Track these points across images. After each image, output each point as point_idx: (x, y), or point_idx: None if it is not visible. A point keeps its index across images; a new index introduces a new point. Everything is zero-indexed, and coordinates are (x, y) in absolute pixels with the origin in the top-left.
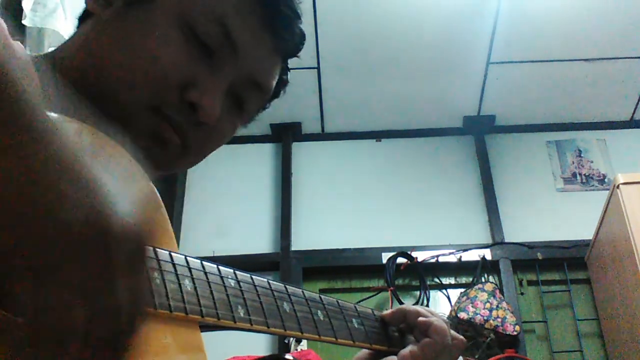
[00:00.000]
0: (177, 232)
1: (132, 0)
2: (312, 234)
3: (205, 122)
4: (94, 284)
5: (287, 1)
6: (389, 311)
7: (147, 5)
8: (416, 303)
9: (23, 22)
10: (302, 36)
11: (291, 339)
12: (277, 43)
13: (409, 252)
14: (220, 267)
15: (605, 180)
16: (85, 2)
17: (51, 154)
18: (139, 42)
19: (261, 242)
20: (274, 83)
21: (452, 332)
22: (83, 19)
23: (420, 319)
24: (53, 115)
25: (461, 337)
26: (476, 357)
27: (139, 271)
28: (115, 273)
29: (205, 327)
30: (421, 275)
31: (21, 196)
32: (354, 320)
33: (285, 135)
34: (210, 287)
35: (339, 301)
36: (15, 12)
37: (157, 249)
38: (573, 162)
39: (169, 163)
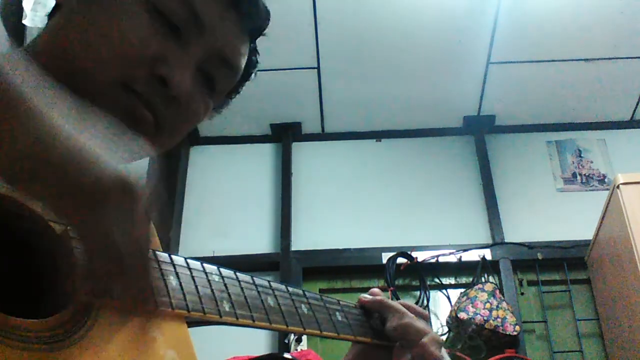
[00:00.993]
0: (177, 232)
1: None
2: (312, 234)
3: (176, 96)
4: (120, 226)
5: None
6: (368, 298)
7: None
8: (416, 303)
9: (23, 21)
10: (267, 13)
11: (291, 339)
12: (242, 20)
13: (409, 252)
14: (204, 264)
15: (605, 180)
16: None
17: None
18: (106, 22)
19: (261, 242)
20: (243, 61)
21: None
22: (53, 13)
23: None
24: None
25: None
26: (459, 347)
27: (137, 212)
28: (132, 217)
29: (193, 323)
30: (421, 275)
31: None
32: (337, 313)
33: (285, 135)
34: (195, 282)
35: (322, 295)
36: (15, 12)
37: None
38: (573, 162)
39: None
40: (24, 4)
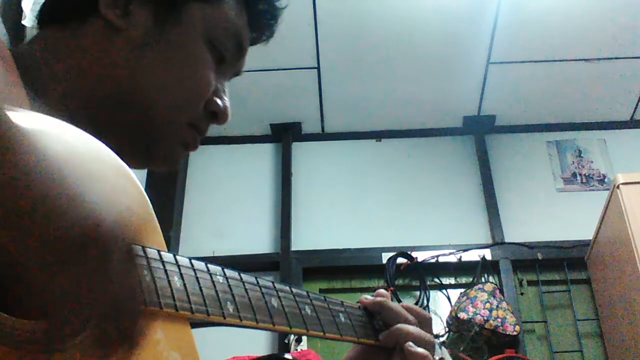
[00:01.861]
0: (177, 232)
1: (163, 17)
2: (312, 234)
3: (222, 124)
4: (90, 284)
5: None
6: (369, 300)
7: (178, 27)
8: (416, 303)
9: (23, 22)
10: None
11: (291, 339)
12: (254, 40)
13: (409, 252)
14: (209, 265)
15: (605, 180)
16: (99, 8)
17: (31, 167)
18: (180, 65)
19: (261, 242)
20: None
21: (439, 351)
22: (81, 15)
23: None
24: (28, 123)
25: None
26: (461, 349)
27: (127, 269)
28: (105, 274)
29: (196, 324)
30: (421, 275)
31: (11, 206)
32: (340, 314)
33: (285, 135)
34: (199, 283)
35: (326, 296)
36: (15, 12)
37: (146, 248)
38: (573, 162)
39: (183, 157)
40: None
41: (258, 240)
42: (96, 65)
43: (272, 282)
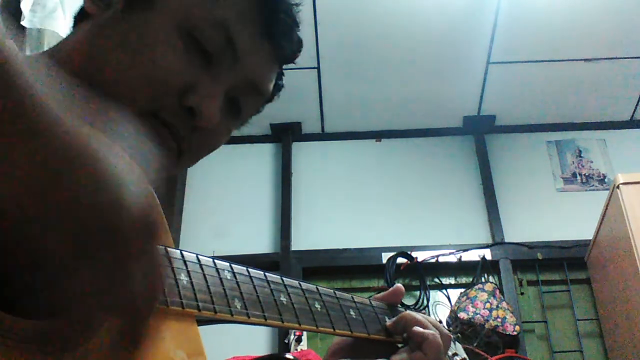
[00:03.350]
0: (177, 232)
1: (132, 3)
2: (312, 234)
3: (203, 128)
4: (115, 270)
5: (287, 9)
6: (391, 321)
7: (148, 11)
8: (416, 303)
9: (22, 23)
10: (300, 43)
11: (291, 339)
12: (275, 50)
13: (409, 252)
14: (217, 261)
15: (605, 180)
16: (84, 2)
17: (64, 147)
18: (138, 46)
19: (261, 242)
20: (271, 87)
21: (457, 346)
22: (80, 19)
23: (416, 329)
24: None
25: (459, 352)
26: (474, 344)
27: (154, 255)
28: (132, 259)
29: (203, 321)
30: (421, 275)
31: (42, 189)
32: (351, 310)
33: (285, 135)
34: (206, 280)
35: (336, 292)
36: (14, 13)
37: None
38: (573, 162)
39: (164, 168)
40: (22, 5)
41: (258, 240)
42: (71, 55)
43: (281, 277)
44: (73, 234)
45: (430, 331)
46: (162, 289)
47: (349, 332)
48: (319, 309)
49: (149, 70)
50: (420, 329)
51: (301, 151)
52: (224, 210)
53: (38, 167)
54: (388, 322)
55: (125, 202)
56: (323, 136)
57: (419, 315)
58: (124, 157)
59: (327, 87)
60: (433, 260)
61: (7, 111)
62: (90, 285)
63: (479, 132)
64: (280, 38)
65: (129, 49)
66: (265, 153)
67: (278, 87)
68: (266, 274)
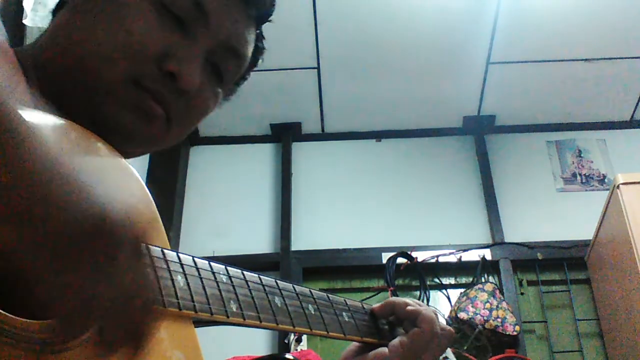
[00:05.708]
0: (177, 232)
1: None
2: (312, 234)
3: (185, 90)
4: (96, 279)
5: None
6: (378, 304)
7: None
8: None
9: (23, 21)
10: (273, 1)
11: (291, 339)
12: (247, 7)
13: (409, 252)
14: (212, 263)
15: (605, 180)
16: None
17: (33, 158)
18: (111, 18)
19: (261, 242)
20: (250, 49)
21: (441, 322)
22: (57, 9)
23: (409, 307)
24: (32, 115)
25: (449, 327)
26: (465, 347)
27: (136, 266)
28: (112, 270)
29: (199, 323)
30: (421, 275)
31: (18, 198)
32: (344, 313)
33: (285, 135)
34: (202, 282)
35: (329, 295)
36: (15, 12)
37: (150, 246)
38: (573, 162)
39: (155, 137)
40: (24, 4)
41: (258, 240)
42: (54, 38)
43: (276, 280)
44: (49, 241)
45: (422, 307)
46: (149, 289)
47: (342, 335)
48: (312, 312)
49: (125, 39)
50: (412, 307)
51: (301, 151)
52: (224, 210)
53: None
54: (374, 305)
55: (103, 208)
56: (323, 136)
57: (405, 298)
58: (110, 162)
59: (327, 87)
60: (433, 260)
61: None
62: (72, 289)
63: (479, 132)
64: None
65: (104, 22)
66: (265, 153)
67: (259, 51)
68: (261, 276)
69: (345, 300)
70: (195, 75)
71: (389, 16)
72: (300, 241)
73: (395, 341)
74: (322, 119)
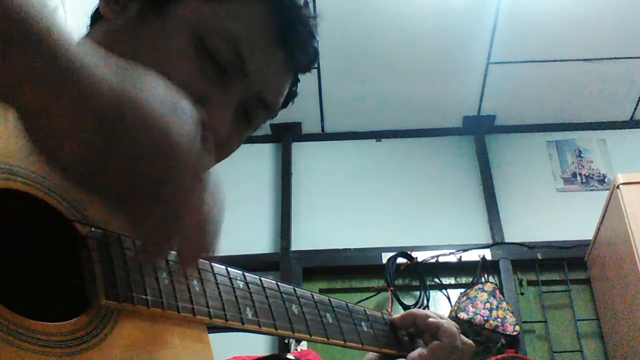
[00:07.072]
0: None
1: (147, 10)
2: (312, 234)
3: (218, 139)
4: (175, 198)
5: (304, 21)
6: (398, 315)
7: (161, 19)
8: (416, 303)
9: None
10: (316, 54)
11: (291, 339)
12: (289, 60)
13: (409, 252)
14: (229, 269)
15: (605, 180)
16: (99, 4)
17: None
18: (151, 54)
19: (261, 242)
20: (282, 99)
21: (462, 336)
22: (96, 18)
23: (430, 320)
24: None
25: (471, 341)
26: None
27: (205, 183)
28: (188, 187)
29: (214, 328)
30: (421, 275)
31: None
32: (363, 323)
33: (285, 135)
34: (218, 288)
35: (349, 304)
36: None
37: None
38: (573, 162)
39: None
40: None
41: (258, 240)
42: None
43: (294, 288)
44: (130, 172)
45: (443, 320)
46: (218, 215)
47: (360, 345)
48: (330, 321)
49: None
50: (433, 319)
51: (301, 151)
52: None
53: (97, 122)
54: (395, 316)
55: (173, 138)
56: (323, 136)
57: (427, 311)
58: (164, 89)
59: (327, 87)
60: (433, 261)
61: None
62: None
63: (479, 132)
64: (294, 48)
65: (142, 58)
66: (265, 153)
67: (292, 95)
68: (279, 283)
69: (364, 310)
70: (225, 127)
71: (389, 16)
72: (300, 241)
73: (415, 353)
74: (322, 119)
